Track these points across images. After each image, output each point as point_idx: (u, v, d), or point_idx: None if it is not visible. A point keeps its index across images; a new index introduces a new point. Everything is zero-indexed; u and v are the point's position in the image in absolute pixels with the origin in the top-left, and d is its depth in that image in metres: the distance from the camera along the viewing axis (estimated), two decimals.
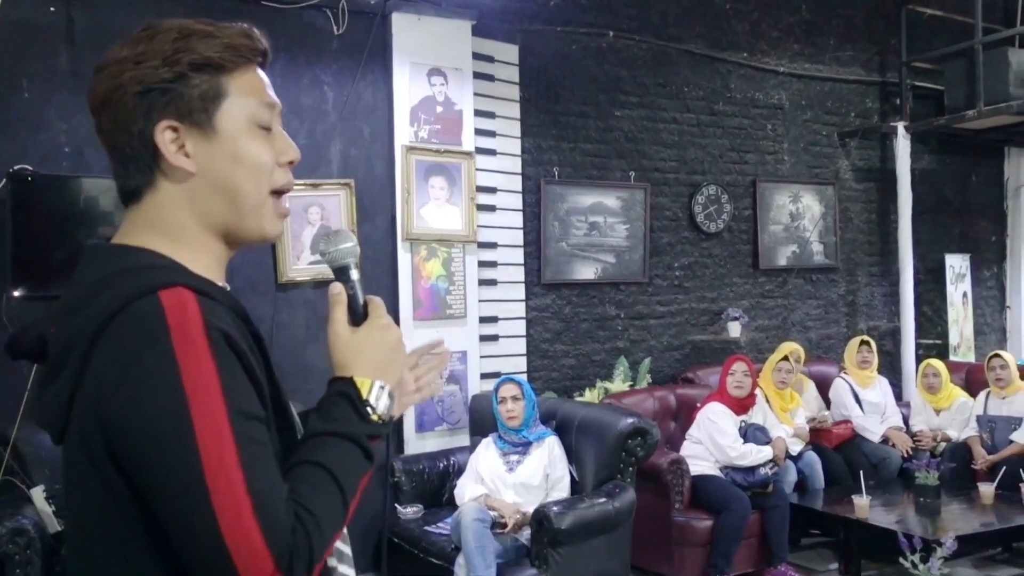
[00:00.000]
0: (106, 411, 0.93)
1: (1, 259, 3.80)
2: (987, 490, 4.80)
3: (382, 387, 1.09)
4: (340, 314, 1.13)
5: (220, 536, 0.89)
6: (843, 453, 5.47)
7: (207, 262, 1.08)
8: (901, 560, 3.82)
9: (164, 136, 1.04)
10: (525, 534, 3.89)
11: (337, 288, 1.14)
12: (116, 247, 1.06)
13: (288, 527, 0.92)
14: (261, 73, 1.12)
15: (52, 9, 4.03)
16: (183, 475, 0.90)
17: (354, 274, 1.16)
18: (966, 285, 7.45)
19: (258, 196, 1.09)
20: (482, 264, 5.07)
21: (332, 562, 1.11)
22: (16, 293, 3.74)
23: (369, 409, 1.07)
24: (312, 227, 4.58)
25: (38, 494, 3.48)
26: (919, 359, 6.45)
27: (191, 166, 1.05)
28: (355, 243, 1.19)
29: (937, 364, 5.84)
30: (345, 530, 1.07)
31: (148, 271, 1.00)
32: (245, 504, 0.89)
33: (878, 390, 5.84)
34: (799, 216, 6.64)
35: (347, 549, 1.15)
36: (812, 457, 5.25)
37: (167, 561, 0.95)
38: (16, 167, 3.81)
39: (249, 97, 1.09)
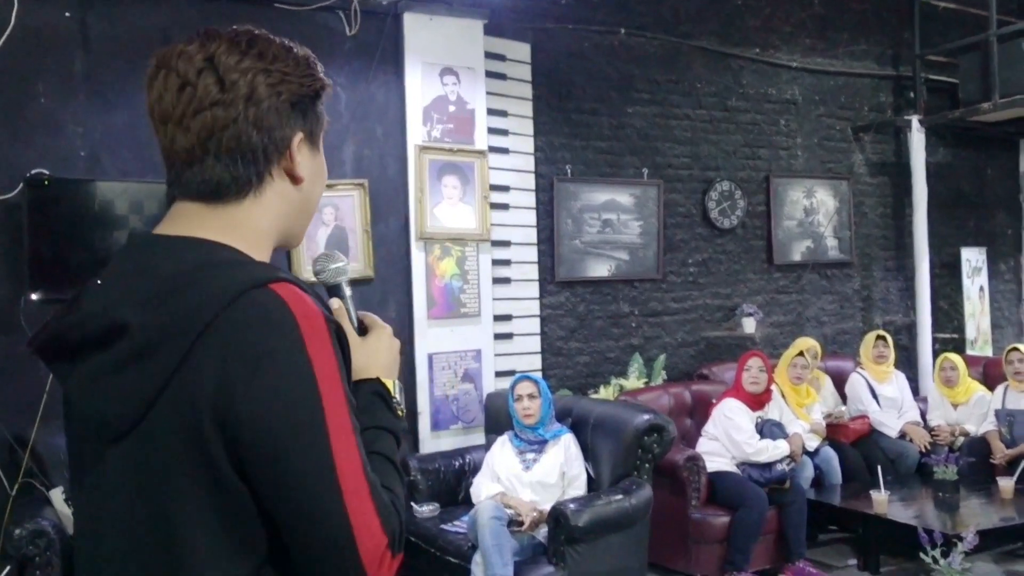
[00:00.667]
0: (231, 399, 0.93)
1: (19, 263, 3.83)
2: (1006, 484, 4.77)
3: (400, 387, 1.21)
4: (348, 325, 1.21)
5: (347, 519, 0.94)
6: (860, 448, 5.44)
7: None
8: (922, 555, 3.80)
9: (296, 146, 1.10)
10: (542, 532, 3.89)
11: (337, 303, 1.23)
12: (191, 240, 1.04)
13: (391, 508, 1.00)
14: None
15: (67, 15, 4.05)
16: (316, 460, 0.94)
17: (347, 291, 1.26)
18: (982, 279, 7.41)
19: (317, 208, 1.22)
20: (496, 262, 5.08)
21: None
22: (34, 296, 3.77)
23: (396, 404, 1.17)
24: (327, 228, 4.59)
25: (57, 495, 3.51)
26: (936, 353, 6.42)
27: (304, 175, 1.12)
28: (346, 263, 1.29)
29: (954, 358, 5.81)
30: None
31: (247, 265, 1.02)
32: (365, 488, 0.96)
33: (895, 385, 5.81)
34: (813, 211, 6.61)
35: None
36: (829, 453, 5.23)
37: (272, 555, 0.98)
38: (33, 171, 3.83)
39: (325, 121, 1.18)
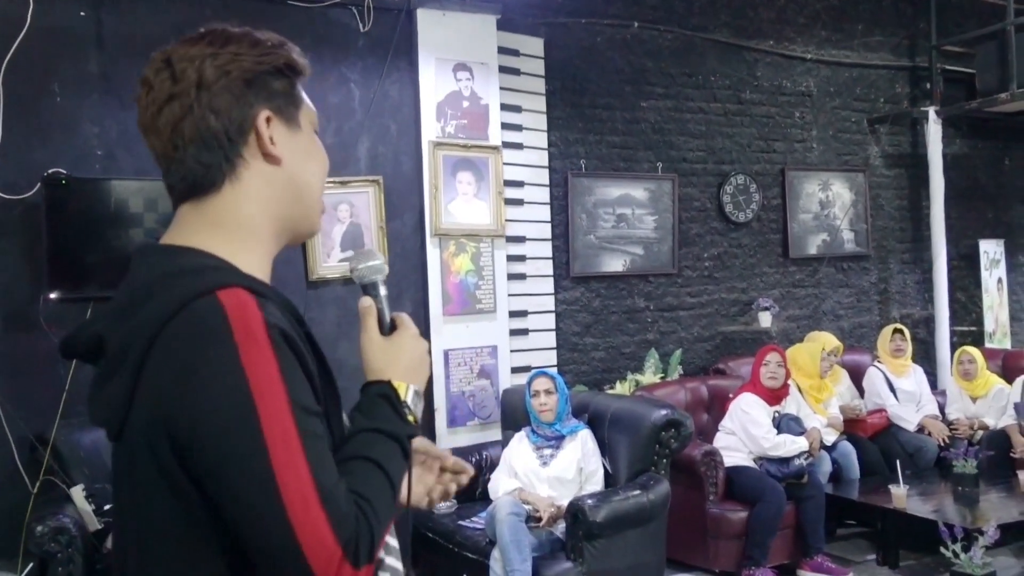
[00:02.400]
0: (171, 411, 0.94)
1: (37, 262, 3.86)
2: None
3: (416, 391, 1.16)
4: (372, 323, 1.19)
5: (291, 528, 0.91)
6: (878, 443, 5.42)
7: (261, 260, 1.11)
8: (942, 550, 3.78)
9: (263, 124, 1.08)
10: (560, 527, 3.89)
11: (367, 302, 1.21)
12: (168, 248, 1.07)
13: (352, 516, 0.95)
14: None
15: (82, 14, 4.07)
16: (252, 471, 0.92)
17: (382, 290, 1.23)
18: (1001, 271, 7.34)
19: (320, 193, 1.17)
20: (511, 258, 5.07)
21: (380, 553, 1.12)
22: (52, 295, 3.79)
23: (407, 410, 1.13)
24: (342, 224, 4.60)
25: (78, 493, 3.53)
26: (954, 346, 6.37)
27: (280, 154, 1.10)
28: (382, 261, 1.25)
29: (972, 351, 5.77)
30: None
31: (203, 272, 1.01)
32: (312, 496, 0.92)
33: (913, 378, 5.78)
34: (829, 204, 6.58)
35: (394, 542, 1.18)
36: (847, 447, 5.20)
37: (233, 558, 0.97)
38: (50, 171, 3.85)
39: (310, 105, 1.17)
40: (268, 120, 1.09)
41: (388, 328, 1.20)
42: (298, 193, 1.13)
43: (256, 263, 1.09)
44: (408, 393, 1.14)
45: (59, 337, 3.75)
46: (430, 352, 1.25)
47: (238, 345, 0.94)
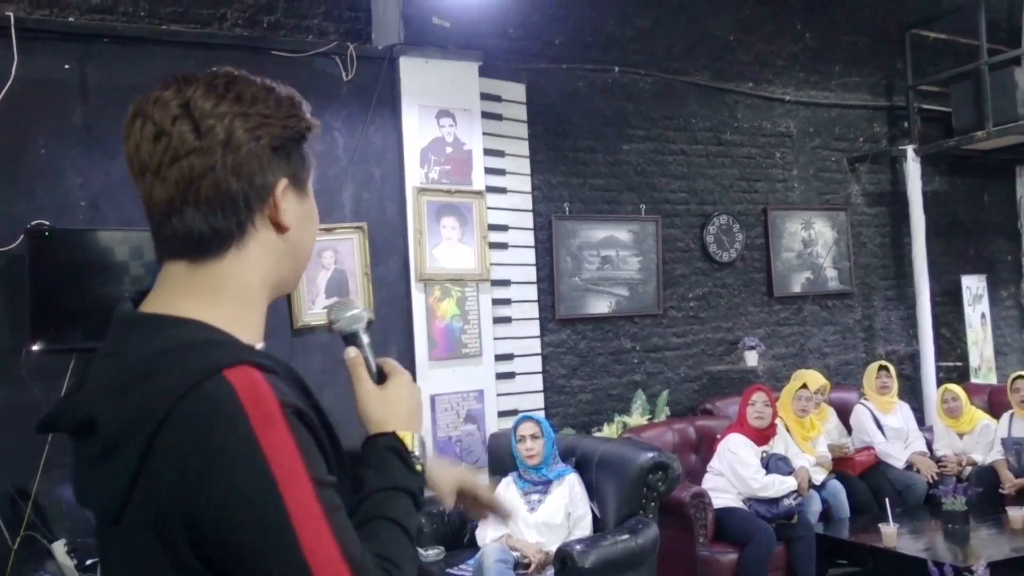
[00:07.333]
0: (187, 500, 0.91)
1: (20, 314, 3.84)
2: (1016, 514, 4.72)
3: (420, 438, 1.16)
4: (364, 374, 1.18)
5: None
6: (867, 480, 5.41)
7: (256, 322, 1.08)
8: None
9: (281, 193, 1.06)
10: (548, 574, 3.86)
11: (353, 352, 1.19)
12: (161, 319, 1.01)
13: None
14: None
15: (67, 67, 4.10)
16: (283, 555, 0.90)
17: (364, 339, 1.21)
18: (984, 306, 7.40)
19: (312, 253, 1.17)
20: (496, 302, 5.08)
21: None
22: (35, 347, 3.77)
23: (414, 459, 1.13)
24: (327, 271, 4.60)
25: (59, 548, 3.47)
26: (940, 382, 6.40)
27: (290, 223, 1.08)
28: (362, 309, 1.23)
29: (955, 388, 5.79)
30: None
31: (206, 348, 0.97)
32: (343, 570, 0.92)
33: (899, 415, 5.78)
34: (812, 242, 6.63)
35: None
36: (836, 486, 5.19)
37: None
38: (34, 223, 3.85)
39: (312, 162, 1.15)
40: (284, 188, 1.06)
41: (376, 376, 1.18)
42: (296, 258, 1.12)
43: (253, 326, 1.06)
44: (414, 442, 1.14)
45: (41, 388, 3.71)
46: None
47: (254, 428, 0.91)
